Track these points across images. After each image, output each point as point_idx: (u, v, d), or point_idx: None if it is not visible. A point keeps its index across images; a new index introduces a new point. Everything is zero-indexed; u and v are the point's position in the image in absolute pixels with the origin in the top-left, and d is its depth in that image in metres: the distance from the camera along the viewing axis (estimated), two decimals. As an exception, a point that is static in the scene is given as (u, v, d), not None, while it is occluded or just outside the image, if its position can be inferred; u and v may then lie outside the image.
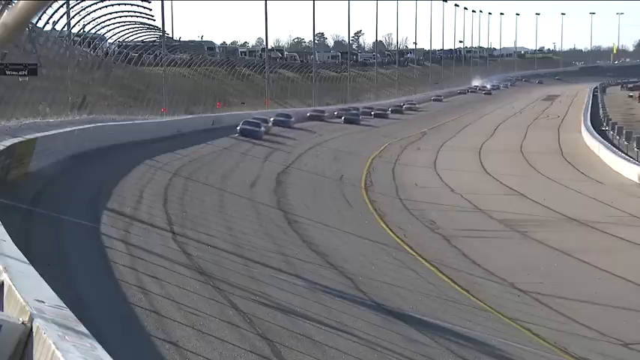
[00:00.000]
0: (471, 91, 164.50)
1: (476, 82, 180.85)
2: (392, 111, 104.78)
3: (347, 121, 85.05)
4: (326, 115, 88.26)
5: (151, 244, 21.85)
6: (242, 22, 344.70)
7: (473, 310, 22.40)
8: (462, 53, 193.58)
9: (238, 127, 60.59)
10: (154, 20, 57.64)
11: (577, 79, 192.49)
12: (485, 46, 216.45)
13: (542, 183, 49.66)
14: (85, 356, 6.89)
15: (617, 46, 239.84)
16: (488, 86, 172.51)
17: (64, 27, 46.45)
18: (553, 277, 27.67)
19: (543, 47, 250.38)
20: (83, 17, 47.94)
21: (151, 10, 55.07)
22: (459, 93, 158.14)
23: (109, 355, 7.14)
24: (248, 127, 60.94)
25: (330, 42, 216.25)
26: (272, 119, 70.50)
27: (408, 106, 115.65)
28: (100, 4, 48.61)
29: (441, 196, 42.77)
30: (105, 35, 54.41)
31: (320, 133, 72.76)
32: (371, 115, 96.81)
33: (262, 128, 62.07)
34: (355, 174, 48.71)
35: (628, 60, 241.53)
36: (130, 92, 61.57)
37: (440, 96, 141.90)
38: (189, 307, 16.23)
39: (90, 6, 47.83)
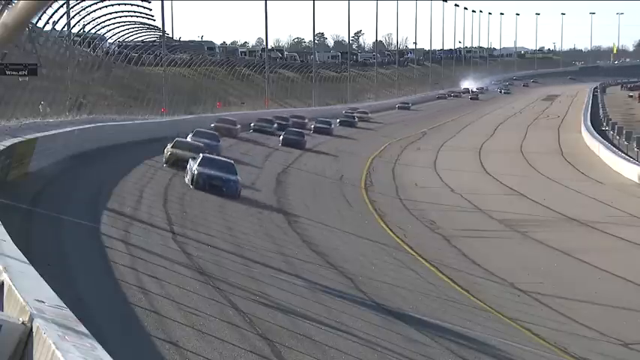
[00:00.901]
0: (453, 96, 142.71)
1: (467, 85, 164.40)
2: (340, 123, 79.74)
3: (287, 143, 57.21)
4: (238, 127, 59.79)
5: (151, 244, 21.85)
6: (242, 22, 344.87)
7: (473, 310, 22.42)
8: (462, 53, 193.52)
9: (195, 172, 33.42)
10: (154, 20, 57.67)
11: (539, 82, 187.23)
12: (486, 46, 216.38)
13: (542, 183, 49.68)
14: (85, 356, 6.90)
15: (617, 46, 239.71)
16: (476, 89, 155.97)
17: (64, 27, 46.45)
18: (553, 277, 27.70)
19: (543, 47, 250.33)
20: (83, 17, 47.96)
21: (151, 10, 55.09)
22: (438, 98, 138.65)
23: (109, 355, 7.15)
24: (209, 173, 33.49)
25: (330, 42, 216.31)
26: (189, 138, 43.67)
27: (359, 115, 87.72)
28: (100, 4, 48.61)
29: (441, 196, 42.79)
30: (105, 35, 54.41)
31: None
32: (309, 130, 69.05)
33: (239, 177, 34.20)
34: (355, 174, 48.71)
35: (628, 60, 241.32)
36: (130, 92, 61.55)
37: (407, 103, 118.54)
38: (189, 307, 16.23)
39: (90, 6, 47.84)
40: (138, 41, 63.26)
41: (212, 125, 55.37)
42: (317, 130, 69.86)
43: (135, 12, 53.46)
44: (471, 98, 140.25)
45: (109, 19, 50.95)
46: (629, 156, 57.75)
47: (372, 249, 28.81)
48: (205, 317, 15.81)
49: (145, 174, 36.35)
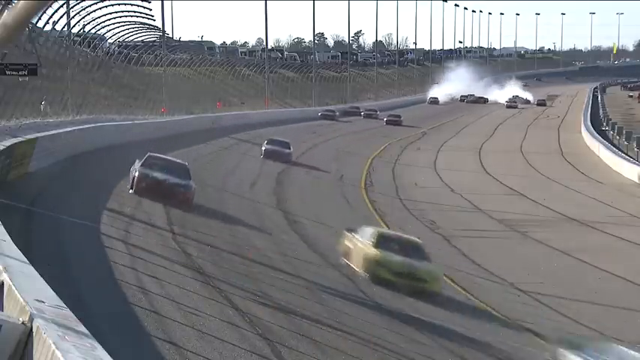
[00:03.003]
0: (364, 115, 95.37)
1: (441, 91, 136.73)
2: None
3: None
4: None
5: (150, 244, 21.84)
6: (242, 22, 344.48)
7: (473, 310, 22.41)
8: (462, 53, 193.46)
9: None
10: (154, 20, 57.71)
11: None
12: (486, 46, 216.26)
13: (542, 183, 49.67)
14: (85, 356, 6.90)
15: (617, 46, 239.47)
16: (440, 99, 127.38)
17: (64, 27, 46.48)
18: (553, 277, 27.68)
19: (543, 47, 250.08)
20: (83, 17, 48.03)
21: (151, 10, 55.14)
22: (323, 116, 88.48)
23: (109, 355, 7.15)
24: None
25: (330, 42, 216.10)
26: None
27: None
28: (100, 4, 48.66)
29: (441, 196, 42.74)
30: (105, 35, 54.47)
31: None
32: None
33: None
34: (355, 174, 48.65)
35: (628, 60, 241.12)
36: (130, 92, 61.52)
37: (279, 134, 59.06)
38: (189, 307, 16.22)
39: (90, 6, 47.91)
40: (138, 41, 63.28)
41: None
42: None
43: (135, 12, 53.51)
44: (387, 122, 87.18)
45: (109, 19, 51.01)
46: (629, 156, 57.75)
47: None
48: (205, 317, 15.81)
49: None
